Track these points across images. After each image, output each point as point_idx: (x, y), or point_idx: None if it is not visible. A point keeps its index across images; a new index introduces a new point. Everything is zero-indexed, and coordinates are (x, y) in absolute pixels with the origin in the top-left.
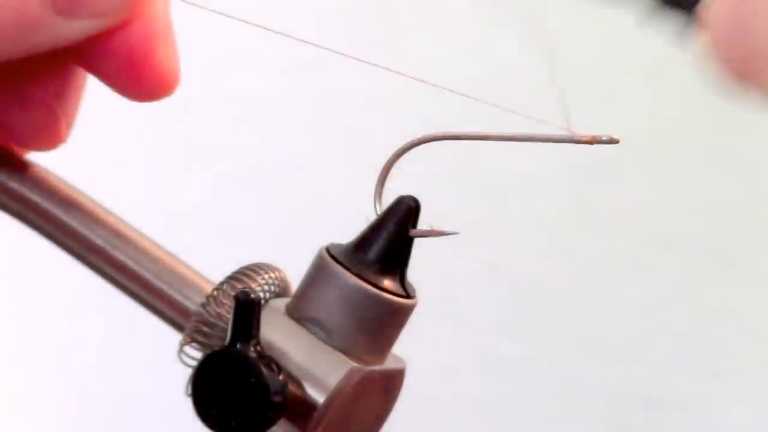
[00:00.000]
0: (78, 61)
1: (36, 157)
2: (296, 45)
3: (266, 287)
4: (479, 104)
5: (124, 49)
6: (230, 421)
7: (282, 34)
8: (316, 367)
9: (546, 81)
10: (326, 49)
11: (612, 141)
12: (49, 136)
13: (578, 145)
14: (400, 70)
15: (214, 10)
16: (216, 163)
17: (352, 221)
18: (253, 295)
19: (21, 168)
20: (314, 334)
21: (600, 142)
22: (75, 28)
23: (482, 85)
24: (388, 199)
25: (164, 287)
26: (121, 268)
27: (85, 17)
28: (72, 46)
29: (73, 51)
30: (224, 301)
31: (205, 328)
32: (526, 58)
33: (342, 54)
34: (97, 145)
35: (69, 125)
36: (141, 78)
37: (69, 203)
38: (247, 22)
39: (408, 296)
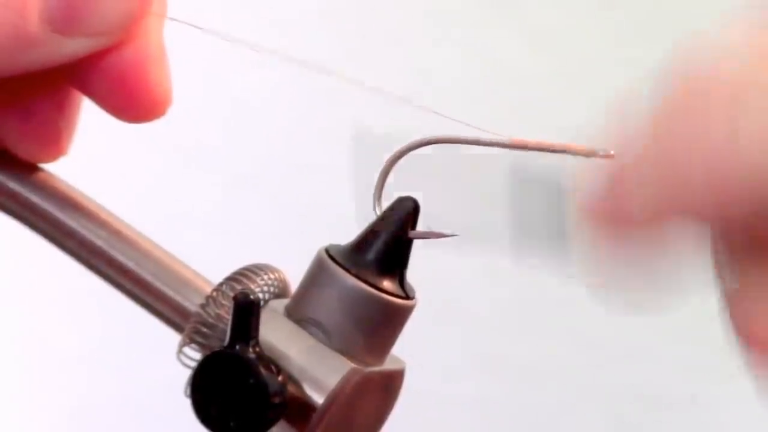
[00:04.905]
0: (71, 81)
1: None
2: (295, 46)
3: (265, 288)
4: (481, 108)
5: (118, 70)
6: (229, 422)
7: (278, 55)
8: (316, 368)
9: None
10: (303, 64)
11: (607, 156)
12: (51, 149)
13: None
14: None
15: (209, 31)
16: (215, 164)
17: (351, 222)
18: (252, 296)
19: (20, 169)
20: (313, 335)
21: (596, 155)
22: (71, 47)
23: (481, 88)
24: (388, 200)
25: (163, 288)
26: (120, 269)
27: (81, 36)
28: (66, 66)
29: (67, 71)
30: (223, 302)
31: (205, 329)
32: (526, 64)
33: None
34: (96, 146)
35: (69, 137)
36: (133, 99)
37: (68, 204)
38: (242, 42)
39: (407, 297)
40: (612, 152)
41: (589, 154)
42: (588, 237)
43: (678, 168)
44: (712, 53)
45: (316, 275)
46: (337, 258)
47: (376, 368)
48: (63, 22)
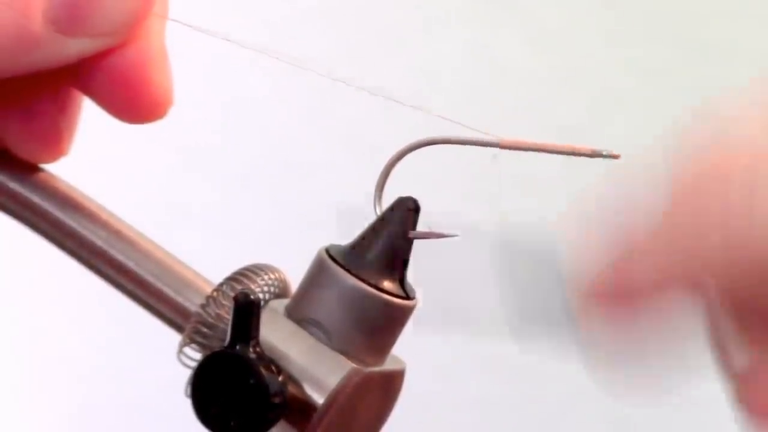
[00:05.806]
0: (73, 82)
1: None
2: (295, 45)
3: (266, 288)
4: (481, 107)
5: (119, 70)
6: (229, 423)
7: (279, 59)
8: (316, 368)
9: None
10: (298, 65)
11: (611, 156)
12: (51, 149)
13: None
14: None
15: (210, 32)
16: (216, 164)
17: (351, 222)
18: (252, 296)
19: (21, 169)
20: (314, 335)
21: (599, 155)
22: (75, 47)
23: (482, 87)
24: (388, 200)
25: (164, 288)
26: (120, 269)
27: (85, 36)
28: (68, 67)
29: (68, 72)
30: (224, 302)
31: (205, 329)
32: (529, 63)
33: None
34: (96, 146)
35: (70, 138)
36: (135, 100)
37: (69, 204)
38: (243, 45)
39: (408, 297)
40: (616, 153)
41: (593, 154)
42: (589, 315)
43: (695, 240)
44: (727, 127)
45: (316, 275)
46: (338, 258)
47: (377, 368)
48: (66, 23)
